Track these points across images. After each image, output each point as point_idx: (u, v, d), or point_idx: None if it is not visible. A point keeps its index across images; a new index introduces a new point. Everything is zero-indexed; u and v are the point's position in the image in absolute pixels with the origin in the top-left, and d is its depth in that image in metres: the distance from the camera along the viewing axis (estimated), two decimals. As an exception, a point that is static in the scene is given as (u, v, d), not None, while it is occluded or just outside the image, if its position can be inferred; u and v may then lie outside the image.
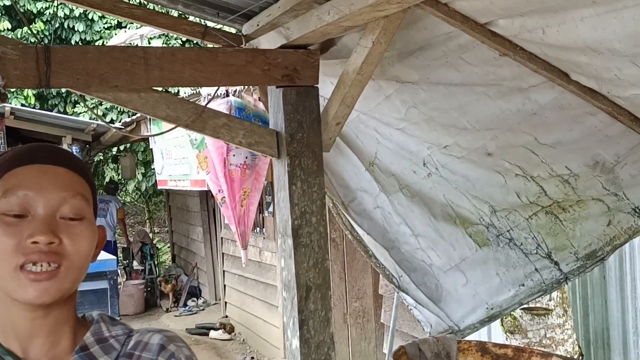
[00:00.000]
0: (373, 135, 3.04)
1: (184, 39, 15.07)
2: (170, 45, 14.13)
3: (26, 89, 13.31)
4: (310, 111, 2.75)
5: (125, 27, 16.03)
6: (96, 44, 15.62)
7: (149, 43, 12.31)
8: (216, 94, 3.25)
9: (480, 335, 4.04)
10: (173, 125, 2.70)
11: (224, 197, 3.58)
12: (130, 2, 3.42)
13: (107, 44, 13.00)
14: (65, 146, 9.75)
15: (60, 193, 1.11)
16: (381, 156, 3.06)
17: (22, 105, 13.29)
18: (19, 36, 15.17)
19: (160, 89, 2.79)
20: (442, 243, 3.00)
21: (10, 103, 12.14)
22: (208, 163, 3.65)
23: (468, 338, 3.12)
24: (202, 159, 3.76)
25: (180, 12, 3.51)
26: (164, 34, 13.57)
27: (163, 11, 3.58)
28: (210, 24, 3.41)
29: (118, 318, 1.30)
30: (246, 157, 3.51)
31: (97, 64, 2.40)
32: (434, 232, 3.00)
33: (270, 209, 7.74)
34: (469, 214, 2.89)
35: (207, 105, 2.86)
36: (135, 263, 12.40)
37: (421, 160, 2.91)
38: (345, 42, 2.70)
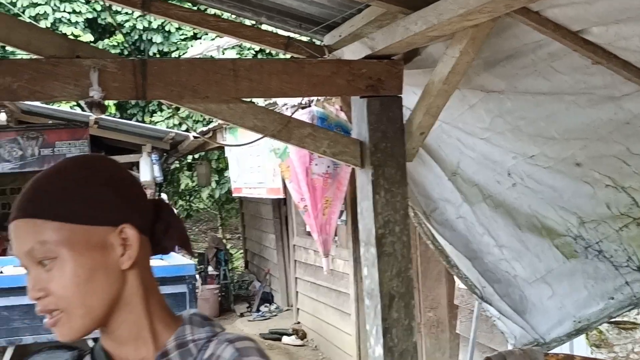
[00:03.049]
0: (456, 144, 3.02)
1: (256, 49, 15.34)
2: (243, 56, 14.38)
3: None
4: (394, 121, 2.77)
5: (200, 38, 16.42)
6: (173, 55, 16.04)
7: (223, 54, 12.57)
8: (299, 104, 3.30)
9: (561, 350, 3.95)
10: (253, 134, 2.75)
11: (306, 205, 3.62)
12: (212, 13, 3.53)
13: (185, 56, 13.34)
14: (144, 154, 10.05)
15: (25, 248, 1.13)
16: (464, 166, 3.04)
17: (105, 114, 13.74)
18: (99, 48, 15.70)
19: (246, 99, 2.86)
20: (527, 254, 2.95)
21: (92, 112, 12.58)
22: (290, 172, 3.70)
23: (554, 351, 3.06)
24: (285, 168, 3.82)
25: (254, 22, 3.58)
26: (237, 45, 13.82)
27: (248, 23, 3.65)
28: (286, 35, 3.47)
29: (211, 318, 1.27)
30: (328, 167, 3.55)
31: (189, 75, 2.47)
32: (518, 243, 2.95)
33: (343, 217, 7.76)
34: (555, 225, 2.83)
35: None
36: (210, 268, 12.64)
37: (505, 170, 2.88)
38: (430, 52, 2.71)
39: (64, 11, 16.04)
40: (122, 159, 10.68)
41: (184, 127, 15.02)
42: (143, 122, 15.52)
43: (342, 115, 3.58)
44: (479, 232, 3.08)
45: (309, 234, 9.20)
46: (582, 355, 3.23)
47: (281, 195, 8.09)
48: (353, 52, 2.86)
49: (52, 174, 1.18)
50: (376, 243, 2.71)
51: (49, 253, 1.12)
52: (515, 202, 2.92)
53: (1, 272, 7.60)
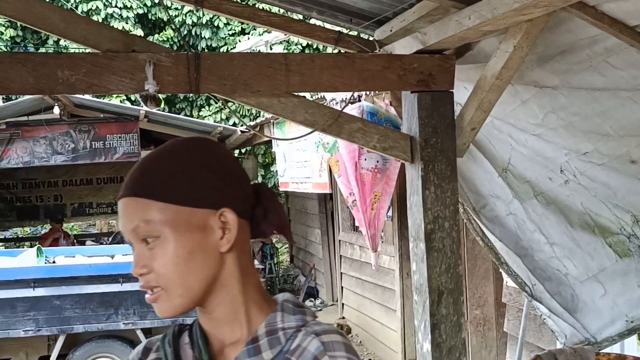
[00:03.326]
0: (507, 140, 2.99)
1: (304, 44, 15.40)
2: (291, 51, 14.44)
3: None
4: (445, 116, 2.75)
5: (248, 33, 16.56)
6: (221, 50, 16.19)
7: (271, 49, 12.66)
8: (349, 99, 3.30)
9: (612, 349, 3.88)
10: (301, 129, 2.76)
11: (355, 200, 3.63)
12: (262, 8, 3.55)
13: (233, 51, 13.46)
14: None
15: (131, 225, 1.17)
16: (515, 162, 3.01)
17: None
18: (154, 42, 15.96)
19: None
20: (579, 252, 2.90)
21: (141, 106, 12.81)
22: (340, 166, 3.71)
23: (605, 350, 3.01)
24: (334, 163, 3.83)
25: (303, 17, 3.59)
26: (285, 40, 13.89)
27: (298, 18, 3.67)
28: (336, 30, 3.47)
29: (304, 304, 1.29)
30: (377, 162, 3.55)
31: (241, 70, 2.50)
32: (570, 240, 2.91)
33: (389, 213, 7.75)
34: (609, 223, 2.78)
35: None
36: (255, 262, 12.74)
37: (558, 166, 2.84)
38: (482, 47, 2.68)
39: (116, 6, 16.35)
40: (171, 152, 10.85)
41: (230, 122, 15.19)
42: (191, 116, 15.72)
43: (392, 110, 3.57)
44: (530, 229, 3.05)
45: (354, 229, 9.21)
46: (634, 356, 3.17)
47: (327, 191, 8.11)
48: (404, 46, 2.85)
49: (160, 155, 1.21)
50: (425, 238, 2.71)
51: (153, 232, 1.15)
52: (567, 199, 2.88)
53: (53, 262, 7.79)
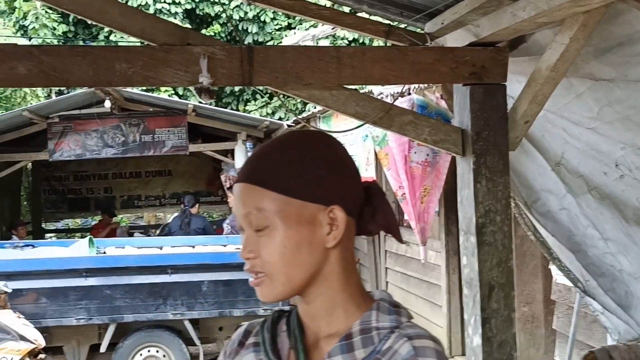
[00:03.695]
0: (560, 134, 2.95)
1: (350, 38, 15.39)
2: (338, 45, 14.43)
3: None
4: (498, 109, 2.73)
5: (294, 28, 16.61)
6: (267, 44, 16.29)
7: (317, 43, 12.68)
8: (398, 92, 3.30)
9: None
10: (347, 123, 2.77)
11: (404, 193, 3.62)
12: (314, 3, 3.57)
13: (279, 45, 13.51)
14: (239, 142, 10.27)
15: (243, 211, 1.19)
16: (568, 156, 2.97)
17: (199, 102, 14.14)
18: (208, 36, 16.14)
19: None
20: (634, 248, 2.85)
21: (189, 100, 12.97)
22: (389, 159, 3.71)
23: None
24: (383, 156, 3.82)
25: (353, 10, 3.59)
26: (331, 35, 13.90)
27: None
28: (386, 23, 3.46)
29: (398, 304, 1.26)
30: (427, 155, 3.54)
31: (294, 63, 2.52)
32: (625, 236, 2.86)
33: (436, 208, 7.69)
34: (665, 219, 2.73)
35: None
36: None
37: (613, 161, 2.79)
38: (537, 39, 2.65)
39: (164, 2, 16.57)
40: (218, 146, 10.98)
41: (276, 116, 15.27)
42: (237, 110, 15.85)
43: (443, 104, 3.55)
44: (583, 224, 3.00)
45: (400, 224, 9.18)
46: (692, 355, 3.10)
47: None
48: (456, 39, 2.84)
49: (278, 145, 1.24)
50: (476, 232, 2.69)
51: (263, 220, 1.18)
52: (622, 194, 2.83)
53: (104, 253, 7.96)
